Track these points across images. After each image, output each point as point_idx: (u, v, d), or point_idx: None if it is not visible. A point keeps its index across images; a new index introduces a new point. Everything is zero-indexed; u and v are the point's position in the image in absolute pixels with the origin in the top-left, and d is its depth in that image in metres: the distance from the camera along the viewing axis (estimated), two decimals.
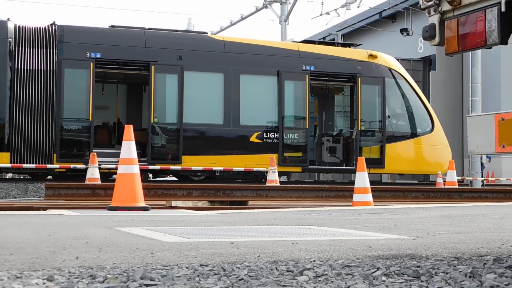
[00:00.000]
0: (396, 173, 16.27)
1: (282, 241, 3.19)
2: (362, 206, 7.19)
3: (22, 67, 12.69)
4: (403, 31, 22.25)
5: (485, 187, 15.86)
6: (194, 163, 13.57)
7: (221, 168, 13.71)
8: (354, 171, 12.40)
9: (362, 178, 7.61)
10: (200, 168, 13.60)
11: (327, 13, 23.61)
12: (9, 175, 17.02)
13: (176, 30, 14.79)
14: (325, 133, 16.38)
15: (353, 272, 2.26)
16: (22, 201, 9.89)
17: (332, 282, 2.10)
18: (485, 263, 2.51)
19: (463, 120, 22.40)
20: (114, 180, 9.28)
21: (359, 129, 14.78)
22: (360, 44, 17.11)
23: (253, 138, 14.06)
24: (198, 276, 2.16)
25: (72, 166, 12.85)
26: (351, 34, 26.67)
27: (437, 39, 2.86)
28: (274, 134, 14.18)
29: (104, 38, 13.49)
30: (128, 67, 13.71)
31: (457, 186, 12.73)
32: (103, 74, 14.09)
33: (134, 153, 5.90)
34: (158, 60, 13.57)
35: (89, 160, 11.06)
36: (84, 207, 7.19)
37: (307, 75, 14.53)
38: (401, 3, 23.41)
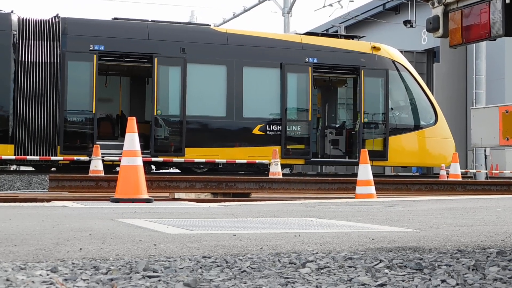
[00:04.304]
0: (399, 165, 16.25)
1: (285, 233, 3.19)
2: (365, 199, 7.19)
3: (26, 60, 12.69)
4: (407, 23, 22.14)
5: (489, 180, 15.83)
6: (197, 155, 13.58)
7: (224, 161, 13.72)
8: (357, 164, 12.38)
9: (365, 171, 7.60)
10: (203, 160, 13.62)
11: (330, 5, 23.52)
12: (13, 167, 17.07)
13: (179, 22, 14.76)
14: (328, 125, 16.35)
15: (356, 265, 2.26)
16: (26, 193, 9.93)
17: (334, 274, 2.10)
18: (488, 256, 2.51)
19: (467, 113, 22.34)
20: (117, 172, 9.31)
21: (362, 121, 14.75)
22: (363, 36, 17.04)
23: (256, 131, 14.05)
24: (200, 268, 2.16)
25: (75, 158, 12.88)
26: (354, 26, 26.57)
27: (440, 31, 2.84)
28: (277, 127, 14.17)
29: (108, 31, 13.48)
30: (131, 59, 13.70)
31: (460, 179, 12.71)
32: (107, 67, 14.08)
33: (137, 145, 5.90)
34: (161, 52, 13.55)
35: (93, 152, 11.08)
36: (87, 199, 7.21)
37: (310, 67, 14.49)
38: None
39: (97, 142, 12.38)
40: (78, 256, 2.35)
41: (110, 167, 13.29)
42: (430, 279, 2.02)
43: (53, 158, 12.73)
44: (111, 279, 1.94)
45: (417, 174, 19.78)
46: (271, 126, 14.16)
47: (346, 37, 16.11)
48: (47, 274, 1.99)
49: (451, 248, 2.71)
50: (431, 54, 23.99)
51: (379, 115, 15.06)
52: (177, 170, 15.01)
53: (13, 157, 12.59)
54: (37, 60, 12.76)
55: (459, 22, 2.73)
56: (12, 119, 12.58)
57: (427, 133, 15.18)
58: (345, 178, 10.94)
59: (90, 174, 10.30)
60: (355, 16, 25.28)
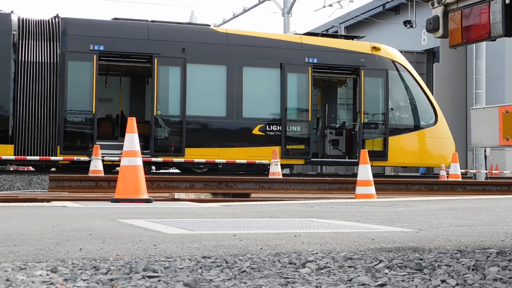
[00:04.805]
0: (399, 165, 16.25)
1: (285, 233, 3.19)
2: (365, 199, 7.19)
3: (26, 60, 12.70)
4: (407, 23, 22.15)
5: (489, 180, 15.83)
6: (197, 155, 13.58)
7: (224, 161, 13.72)
8: (357, 164, 12.38)
9: (365, 171, 7.60)
10: (203, 160, 13.62)
11: (330, 5, 23.53)
12: (13, 167, 17.07)
13: (179, 23, 14.76)
14: (328, 125, 16.36)
15: (356, 265, 2.26)
16: (26, 193, 9.93)
17: (334, 274, 2.10)
18: (488, 256, 2.51)
19: (467, 113, 22.34)
20: (117, 172, 9.31)
21: (362, 121, 14.75)
22: (363, 36, 17.04)
23: (256, 131, 14.06)
24: (200, 268, 2.17)
25: (75, 158, 12.88)
26: (354, 26, 26.57)
27: (440, 31, 2.84)
28: (276, 127, 14.17)
29: (107, 31, 13.49)
30: (131, 59, 13.70)
31: (460, 179, 12.71)
32: (107, 67, 14.09)
33: (137, 146, 5.90)
34: (161, 52, 13.55)
35: (93, 152, 11.08)
36: (87, 199, 7.21)
37: (310, 68, 14.49)
38: None
39: (97, 142, 12.38)
40: (78, 256, 2.35)
41: (110, 167, 13.29)
42: (430, 279, 2.02)
43: (53, 158, 12.73)
44: (111, 279, 1.94)
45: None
46: (271, 126, 14.16)
47: (346, 37, 16.12)
48: (47, 274, 1.99)
49: (451, 248, 2.71)
50: (431, 54, 23.99)
51: (379, 115, 15.06)
52: (177, 170, 15.01)
53: (13, 157, 12.59)
54: (37, 60, 12.76)
55: (459, 22, 2.73)
56: (12, 119, 12.59)
57: (427, 133, 15.19)
58: (345, 178, 10.94)
59: (90, 174, 10.30)
60: (355, 17, 25.29)
